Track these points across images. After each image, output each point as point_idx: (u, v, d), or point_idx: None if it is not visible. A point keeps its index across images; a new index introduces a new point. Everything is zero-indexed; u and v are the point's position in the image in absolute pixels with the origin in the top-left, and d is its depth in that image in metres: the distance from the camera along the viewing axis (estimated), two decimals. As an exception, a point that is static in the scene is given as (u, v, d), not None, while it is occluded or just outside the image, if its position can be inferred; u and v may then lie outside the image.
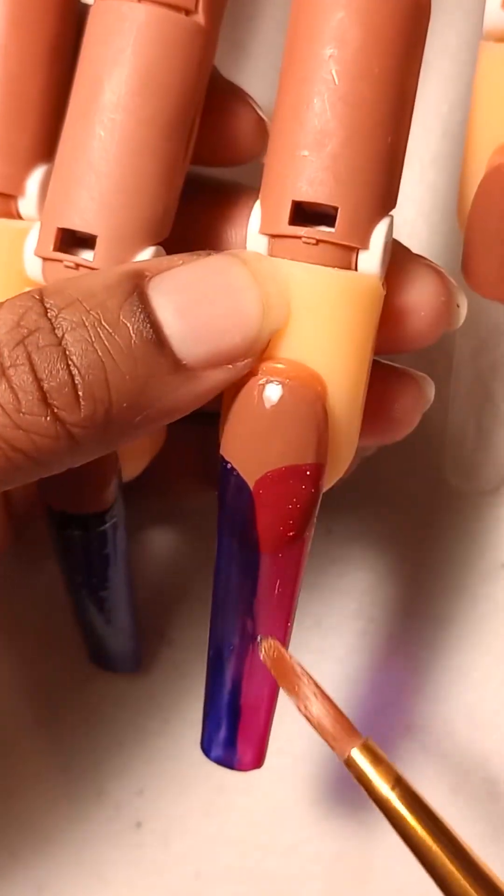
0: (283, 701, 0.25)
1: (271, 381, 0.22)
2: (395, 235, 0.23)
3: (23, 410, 0.21)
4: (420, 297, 0.24)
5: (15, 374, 0.21)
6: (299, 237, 0.23)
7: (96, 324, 0.21)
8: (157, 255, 0.24)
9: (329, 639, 0.32)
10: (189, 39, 0.23)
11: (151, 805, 0.32)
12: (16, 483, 0.22)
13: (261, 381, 0.23)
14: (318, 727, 0.23)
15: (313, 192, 0.22)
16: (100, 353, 0.21)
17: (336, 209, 0.22)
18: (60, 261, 0.24)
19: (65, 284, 0.22)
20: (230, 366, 0.22)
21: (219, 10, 0.24)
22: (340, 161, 0.22)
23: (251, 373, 0.23)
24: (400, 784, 0.23)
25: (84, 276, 0.22)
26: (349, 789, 0.32)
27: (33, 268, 0.24)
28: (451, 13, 0.32)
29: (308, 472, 0.23)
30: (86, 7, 0.25)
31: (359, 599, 0.32)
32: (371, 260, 0.23)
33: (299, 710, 0.23)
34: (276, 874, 0.32)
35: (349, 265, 0.23)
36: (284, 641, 0.25)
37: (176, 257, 0.23)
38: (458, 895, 0.22)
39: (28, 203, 0.25)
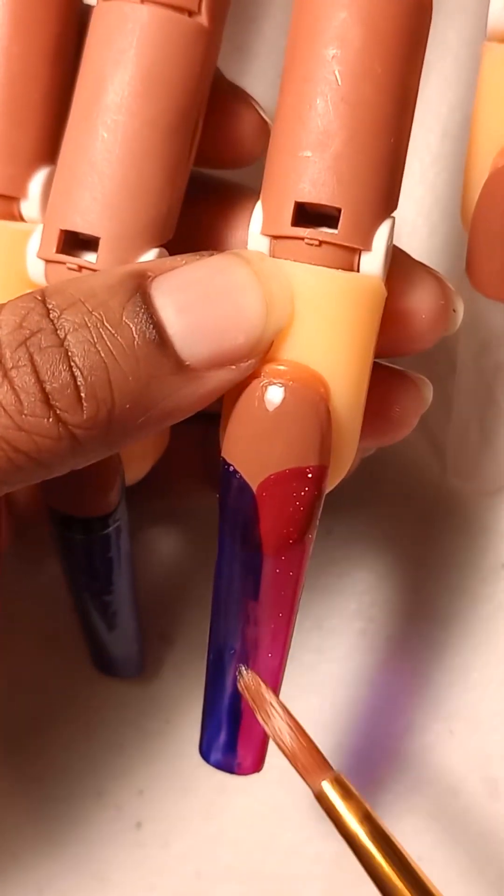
0: (284, 701, 0.25)
1: (273, 383, 0.22)
2: (396, 236, 0.23)
3: (25, 412, 0.21)
4: (419, 300, 0.24)
5: (17, 375, 0.21)
6: (302, 238, 0.23)
7: (98, 324, 0.21)
8: (160, 256, 0.24)
9: (329, 639, 0.32)
10: (192, 40, 0.23)
11: (152, 805, 0.32)
12: (18, 484, 0.22)
13: (263, 383, 0.22)
14: (291, 759, 0.24)
15: (316, 192, 0.22)
16: (102, 354, 0.21)
17: (338, 210, 0.22)
18: (63, 263, 0.24)
19: (67, 285, 0.22)
20: (233, 366, 0.22)
21: (222, 11, 0.24)
22: (343, 161, 0.22)
23: (253, 374, 0.23)
24: (368, 819, 0.23)
25: (86, 277, 0.22)
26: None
27: (36, 270, 0.24)
28: (452, 14, 0.32)
29: (311, 475, 0.23)
30: (88, 8, 0.25)
31: (359, 599, 0.32)
32: (373, 261, 0.23)
33: (274, 741, 0.24)
34: (277, 874, 0.32)
35: (351, 266, 0.23)
36: (286, 643, 0.25)
37: (178, 257, 0.22)
38: None
39: (30, 205, 0.25)
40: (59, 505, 0.27)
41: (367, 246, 0.23)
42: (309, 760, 0.24)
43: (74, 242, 0.24)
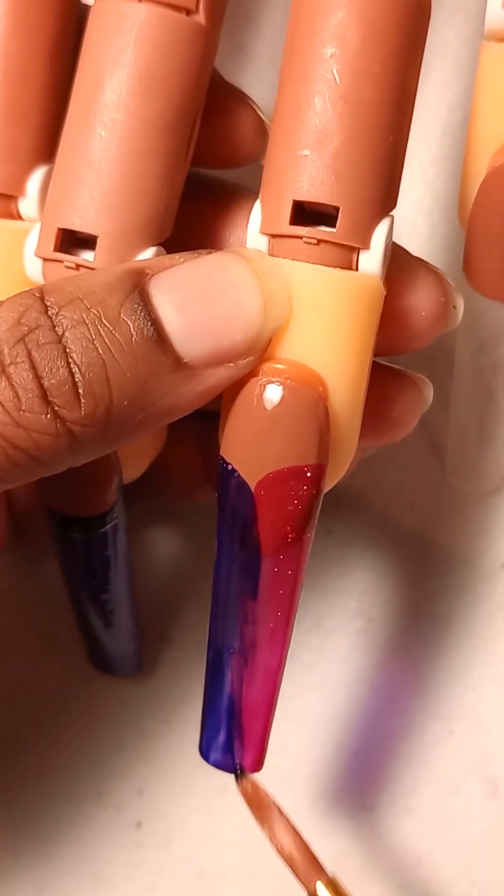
0: (283, 702, 0.25)
1: (272, 382, 0.22)
2: (395, 235, 0.23)
3: (23, 408, 0.21)
4: (419, 297, 0.24)
5: (15, 371, 0.21)
6: (300, 237, 0.23)
7: (97, 321, 0.21)
8: (157, 255, 0.24)
9: (329, 639, 0.32)
10: (190, 39, 0.23)
11: (152, 805, 0.32)
12: (16, 482, 0.22)
13: (261, 382, 0.22)
14: (288, 860, 0.25)
15: (315, 191, 0.22)
16: (100, 351, 0.21)
17: (337, 209, 0.22)
18: (61, 261, 0.24)
19: (65, 283, 0.22)
20: (232, 364, 0.22)
21: (220, 10, 0.24)
22: (342, 160, 0.22)
23: (252, 373, 0.23)
24: None
25: (84, 275, 0.22)
26: (349, 789, 0.32)
27: (34, 269, 0.24)
28: (451, 13, 0.32)
29: (309, 473, 0.23)
30: (86, 7, 0.25)
31: (359, 599, 0.32)
32: (372, 260, 0.23)
33: (271, 842, 0.25)
34: (277, 874, 0.32)
35: (350, 265, 0.23)
36: (285, 642, 0.25)
37: (177, 255, 0.22)
38: None
39: (28, 204, 0.25)
40: (57, 504, 0.27)
41: (366, 244, 0.23)
42: (304, 862, 0.25)
43: (72, 241, 0.24)
